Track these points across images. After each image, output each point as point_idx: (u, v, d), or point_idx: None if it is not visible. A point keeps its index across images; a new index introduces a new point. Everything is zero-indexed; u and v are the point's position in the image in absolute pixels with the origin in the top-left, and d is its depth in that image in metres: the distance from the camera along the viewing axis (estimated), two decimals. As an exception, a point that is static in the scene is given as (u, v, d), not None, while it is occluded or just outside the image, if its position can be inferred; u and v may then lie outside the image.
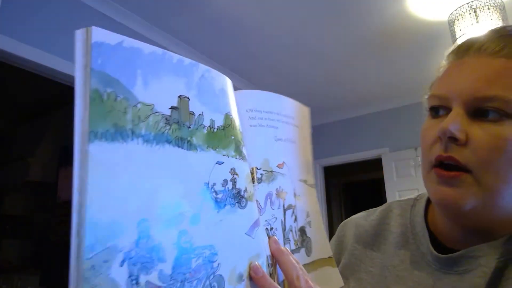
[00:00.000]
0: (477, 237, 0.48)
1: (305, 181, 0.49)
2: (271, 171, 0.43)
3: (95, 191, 0.26)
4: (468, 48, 0.49)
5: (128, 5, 2.40)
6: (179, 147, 0.32)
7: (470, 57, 0.47)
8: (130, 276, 0.27)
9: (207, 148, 0.35)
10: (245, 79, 3.48)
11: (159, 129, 0.31)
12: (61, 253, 2.91)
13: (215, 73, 0.38)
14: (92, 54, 0.28)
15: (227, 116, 0.38)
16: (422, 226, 0.55)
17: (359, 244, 0.60)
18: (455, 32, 2.25)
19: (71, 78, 2.10)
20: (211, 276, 0.32)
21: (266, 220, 0.41)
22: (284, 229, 0.43)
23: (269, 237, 0.40)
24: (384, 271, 0.54)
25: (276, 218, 0.42)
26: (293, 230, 0.45)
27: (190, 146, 0.33)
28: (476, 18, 2.15)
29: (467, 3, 2.18)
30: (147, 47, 0.32)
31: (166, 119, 0.32)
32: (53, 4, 2.11)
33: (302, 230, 0.47)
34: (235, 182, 0.37)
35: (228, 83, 0.40)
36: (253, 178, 0.41)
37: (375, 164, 4.10)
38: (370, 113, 4.21)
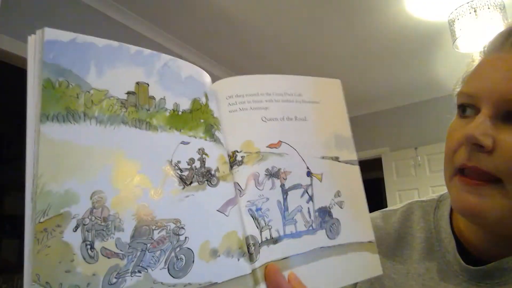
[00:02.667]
0: (509, 247, 0.45)
1: (334, 158, 0.47)
2: (256, 152, 0.42)
3: (47, 164, 0.30)
4: (504, 41, 0.43)
5: (128, 5, 2.40)
6: (136, 127, 0.35)
7: (506, 52, 0.42)
8: (84, 241, 0.30)
9: (169, 129, 0.37)
10: (245, 79, 3.48)
11: (114, 111, 0.34)
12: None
13: (182, 62, 0.40)
14: (44, 50, 0.32)
15: (196, 101, 0.40)
16: (448, 232, 0.51)
17: (381, 248, 0.54)
18: (455, 31, 2.25)
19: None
20: (178, 249, 0.34)
21: (249, 201, 0.40)
22: (284, 210, 0.42)
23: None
24: (408, 280, 0.51)
25: (267, 199, 0.41)
26: (305, 211, 0.43)
27: (150, 127, 0.35)
28: (476, 18, 2.14)
29: (467, 3, 2.18)
30: (101, 41, 0.35)
31: (121, 102, 0.34)
32: (54, 4, 2.11)
33: (324, 211, 0.44)
34: (204, 161, 0.38)
35: (201, 73, 0.42)
36: (233, 162, 0.41)
37: (375, 164, 4.10)
38: (370, 113, 4.21)
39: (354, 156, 0.48)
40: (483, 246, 0.47)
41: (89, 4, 2.28)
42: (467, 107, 0.44)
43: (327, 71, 3.36)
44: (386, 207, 0.63)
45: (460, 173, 0.43)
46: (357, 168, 0.48)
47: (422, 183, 3.68)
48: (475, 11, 2.16)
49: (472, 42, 2.28)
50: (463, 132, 0.42)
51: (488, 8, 2.13)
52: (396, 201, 3.80)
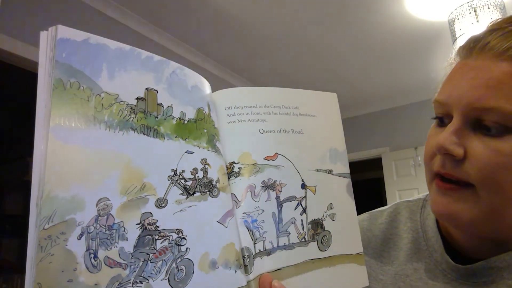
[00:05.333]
0: (493, 246, 0.45)
1: (328, 171, 0.48)
2: (253, 164, 0.42)
3: (54, 168, 0.29)
4: (472, 47, 0.43)
5: (128, 5, 2.40)
6: (144, 134, 0.34)
7: (473, 58, 0.42)
8: (88, 250, 0.29)
9: (175, 137, 0.36)
10: (245, 79, 3.48)
11: (123, 117, 0.33)
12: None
13: (188, 71, 0.40)
14: (57, 48, 0.31)
15: (200, 111, 0.40)
16: (435, 231, 0.51)
17: (368, 250, 0.56)
18: (455, 31, 2.25)
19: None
20: (179, 259, 0.33)
21: (244, 213, 0.41)
22: (278, 222, 0.43)
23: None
24: (396, 281, 0.51)
25: (263, 211, 0.42)
26: (298, 223, 0.44)
27: (157, 134, 0.35)
28: (476, 18, 2.14)
29: (467, 2, 2.18)
30: (113, 44, 0.34)
31: (131, 108, 0.34)
32: (54, 3, 2.11)
33: (317, 223, 0.45)
34: (207, 171, 0.38)
35: (204, 83, 0.42)
36: (230, 173, 0.41)
37: (375, 164, 4.10)
38: (370, 113, 4.21)
39: (346, 170, 0.49)
40: (469, 244, 0.47)
41: (89, 4, 2.28)
42: (442, 116, 0.45)
43: (327, 71, 3.36)
44: (386, 206, 0.63)
45: (439, 177, 0.44)
46: (349, 181, 0.49)
47: (422, 183, 3.65)
48: (475, 11, 2.16)
49: (472, 42, 2.28)
50: (436, 141, 0.42)
51: (488, 8, 2.13)
52: (396, 200, 3.78)
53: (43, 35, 0.31)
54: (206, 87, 0.42)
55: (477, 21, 2.14)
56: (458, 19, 2.22)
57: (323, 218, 0.46)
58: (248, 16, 2.53)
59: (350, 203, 0.48)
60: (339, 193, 0.48)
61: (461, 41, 2.27)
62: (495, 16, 2.12)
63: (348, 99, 3.97)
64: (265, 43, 2.89)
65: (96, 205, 0.30)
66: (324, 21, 2.60)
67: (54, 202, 0.28)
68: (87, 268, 0.29)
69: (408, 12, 2.51)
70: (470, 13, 2.17)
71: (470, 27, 2.16)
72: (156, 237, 0.33)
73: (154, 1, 2.36)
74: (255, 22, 2.61)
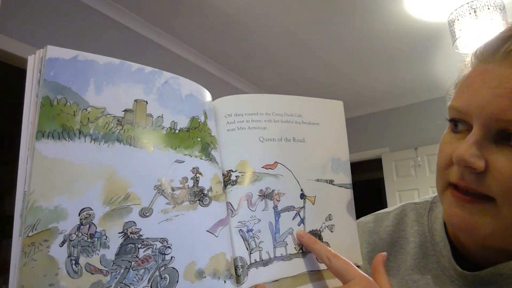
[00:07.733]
0: (502, 253, 0.44)
1: (329, 181, 0.47)
2: (251, 172, 0.42)
3: (39, 180, 0.30)
4: (494, 52, 0.40)
5: (128, 5, 2.40)
6: (130, 145, 0.35)
7: (496, 64, 0.39)
8: (69, 256, 0.31)
9: (164, 147, 0.37)
10: (245, 79, 3.48)
11: (109, 129, 0.34)
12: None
13: (183, 80, 0.40)
14: (46, 68, 0.32)
15: (194, 119, 0.40)
16: (442, 236, 0.50)
17: (374, 253, 0.53)
18: (454, 32, 2.26)
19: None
20: (162, 268, 0.34)
21: (240, 222, 0.40)
22: (275, 232, 0.42)
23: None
24: (403, 286, 0.51)
25: (259, 220, 0.41)
26: (295, 234, 0.43)
27: (144, 145, 0.36)
28: (476, 18, 2.15)
29: (467, 3, 2.18)
30: (102, 59, 0.35)
31: (118, 120, 0.35)
32: (53, 4, 2.11)
33: (314, 234, 0.44)
34: (197, 180, 0.38)
35: (202, 92, 0.42)
36: (227, 181, 0.41)
37: (375, 164, 4.10)
38: (370, 113, 4.21)
39: (348, 180, 0.49)
40: (478, 251, 0.47)
41: (88, 5, 2.28)
42: (458, 122, 0.43)
43: (327, 71, 3.36)
44: (386, 207, 0.63)
45: (453, 186, 0.42)
46: (350, 192, 0.48)
47: (422, 183, 3.68)
48: (475, 11, 2.16)
49: (472, 43, 2.28)
50: (454, 151, 0.40)
51: (488, 8, 2.13)
52: (396, 201, 3.80)
53: (31, 59, 0.33)
54: (204, 95, 0.42)
55: (477, 22, 2.14)
56: (458, 19, 2.23)
57: (321, 229, 0.45)
58: (248, 17, 2.53)
59: (349, 215, 0.48)
60: (339, 204, 0.47)
61: (461, 42, 2.27)
62: (495, 16, 2.12)
63: (348, 100, 3.97)
64: (264, 44, 2.89)
65: (79, 215, 0.31)
66: (323, 21, 2.60)
67: (38, 212, 0.30)
68: (68, 274, 0.30)
69: (408, 12, 2.51)
70: (470, 13, 2.17)
71: (470, 28, 2.16)
72: (139, 246, 0.33)
73: (154, 1, 2.36)
74: (255, 23, 2.61)
